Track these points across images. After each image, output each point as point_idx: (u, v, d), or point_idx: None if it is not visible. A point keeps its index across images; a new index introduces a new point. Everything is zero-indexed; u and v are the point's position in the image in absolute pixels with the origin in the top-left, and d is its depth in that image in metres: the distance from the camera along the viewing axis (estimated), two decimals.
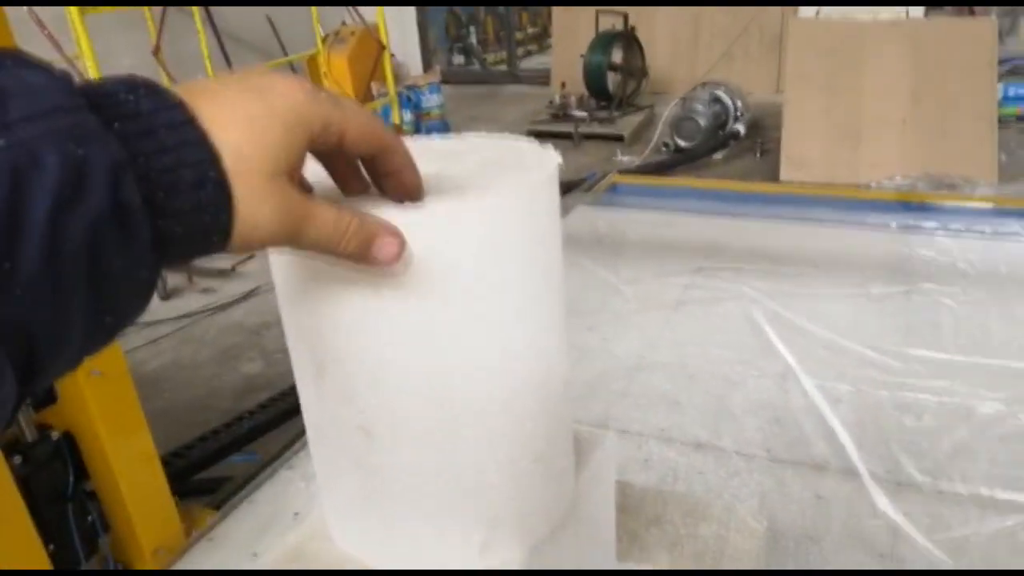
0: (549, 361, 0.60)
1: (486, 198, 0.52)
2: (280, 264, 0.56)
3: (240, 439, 2.02)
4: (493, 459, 0.57)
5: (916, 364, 1.88)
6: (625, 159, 5.06)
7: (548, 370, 0.60)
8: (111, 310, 0.38)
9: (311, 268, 0.53)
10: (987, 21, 4.34)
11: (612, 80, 5.98)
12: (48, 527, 1.36)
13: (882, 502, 1.44)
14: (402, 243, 0.49)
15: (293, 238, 0.45)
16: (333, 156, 0.51)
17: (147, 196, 0.37)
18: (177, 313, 3.86)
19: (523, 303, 0.56)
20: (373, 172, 0.52)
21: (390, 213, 0.50)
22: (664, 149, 5.07)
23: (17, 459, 1.30)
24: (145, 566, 1.51)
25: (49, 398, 1.40)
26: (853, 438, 1.63)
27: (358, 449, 0.56)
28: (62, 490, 1.39)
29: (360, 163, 0.52)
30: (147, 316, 3.87)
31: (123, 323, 0.40)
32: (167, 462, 1.83)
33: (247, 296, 3.89)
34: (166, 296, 4.12)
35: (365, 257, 0.49)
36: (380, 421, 0.55)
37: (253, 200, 0.42)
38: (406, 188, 0.52)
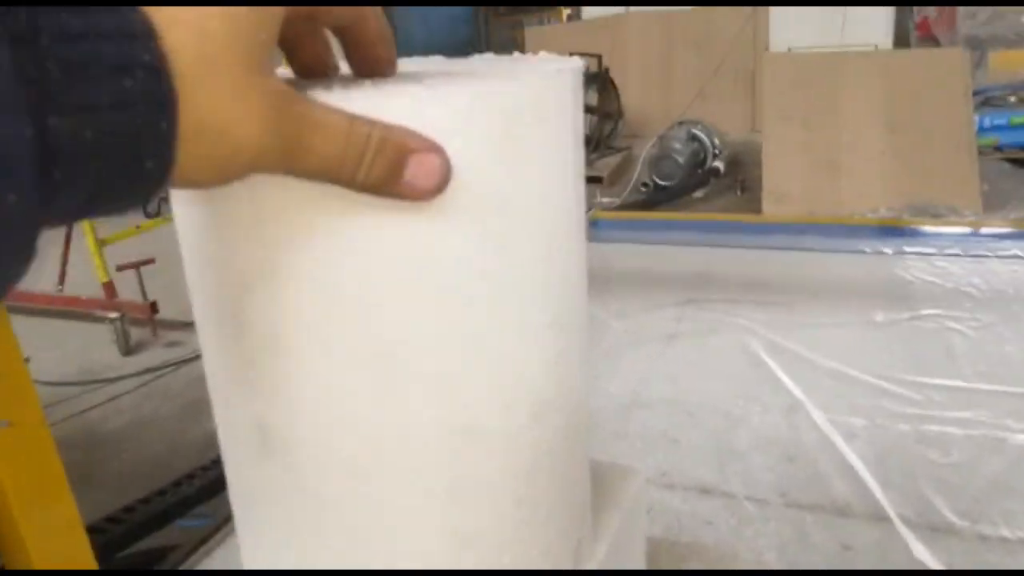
0: (580, 313, 0.49)
1: (502, 79, 0.39)
2: (229, 206, 0.38)
3: (189, 499, 1.80)
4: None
5: (934, 394, 1.73)
6: (605, 200, 4.97)
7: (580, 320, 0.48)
8: None
9: (285, 207, 0.37)
10: (958, 52, 4.35)
11: (588, 122, 5.94)
12: None
13: (918, 550, 1.27)
14: (446, 163, 0.35)
15: (288, 158, 0.31)
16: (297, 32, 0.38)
17: (32, 74, 0.22)
18: (139, 368, 3.65)
19: (555, 224, 0.44)
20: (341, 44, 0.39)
21: (362, 96, 0.34)
22: (644, 189, 4.99)
23: None
24: None
25: None
26: (876, 477, 1.46)
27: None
28: None
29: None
30: (108, 372, 3.65)
31: None
32: (102, 529, 1.62)
33: None
34: (128, 351, 3.91)
35: (393, 186, 0.34)
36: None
37: (223, 97, 0.27)
38: (378, 61, 0.38)
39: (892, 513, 1.38)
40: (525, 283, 0.41)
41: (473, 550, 0.42)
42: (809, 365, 1.90)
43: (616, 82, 6.14)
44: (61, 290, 3.44)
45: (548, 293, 0.42)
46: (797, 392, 1.78)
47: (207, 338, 0.42)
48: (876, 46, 4.95)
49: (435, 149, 0.35)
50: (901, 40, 5.80)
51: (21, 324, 3.25)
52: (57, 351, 3.16)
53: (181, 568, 1.53)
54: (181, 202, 0.40)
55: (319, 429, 0.39)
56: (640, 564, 0.58)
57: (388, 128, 0.33)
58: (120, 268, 3.54)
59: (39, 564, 1.20)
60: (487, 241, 0.39)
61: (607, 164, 5.55)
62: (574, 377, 0.46)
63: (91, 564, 1.30)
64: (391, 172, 0.33)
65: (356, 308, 0.37)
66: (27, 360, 3.00)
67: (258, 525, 0.45)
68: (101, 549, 1.37)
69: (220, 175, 0.29)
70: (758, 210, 4.28)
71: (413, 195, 0.35)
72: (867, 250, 2.65)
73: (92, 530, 1.52)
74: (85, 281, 3.49)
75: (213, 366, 0.43)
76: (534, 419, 0.43)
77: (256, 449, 0.41)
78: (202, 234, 0.39)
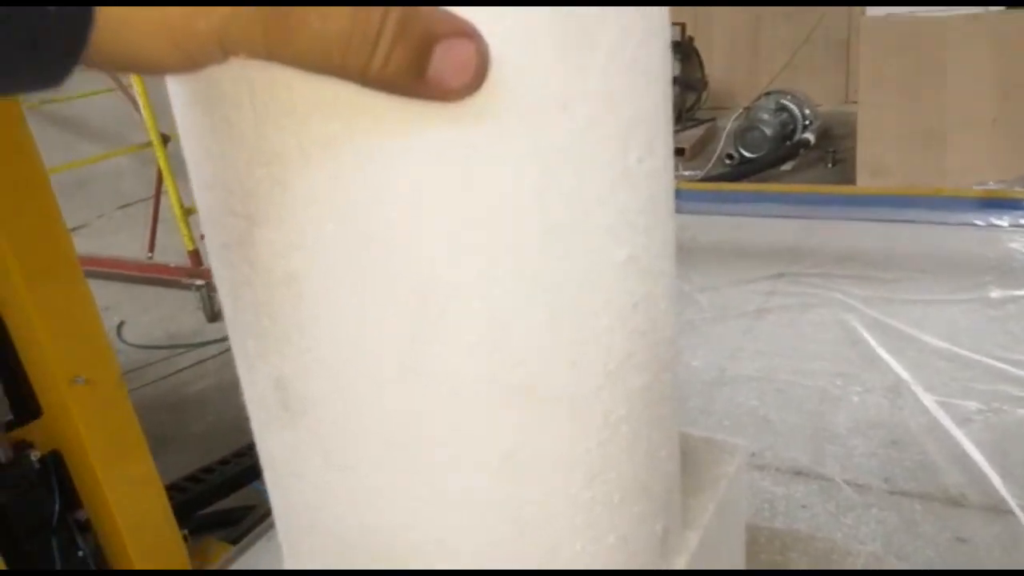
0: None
1: None
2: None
3: None
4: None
5: None
6: (687, 173, 4.80)
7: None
8: None
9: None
10: None
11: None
12: (29, 563, 1.16)
13: None
14: (482, 52, 0.27)
15: (272, 33, 0.23)
16: None
17: None
18: (223, 334, 3.76)
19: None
20: None
21: None
22: (728, 161, 4.79)
23: None
24: None
25: (31, 412, 1.20)
26: (994, 465, 1.32)
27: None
28: (46, 519, 1.19)
29: None
30: (194, 337, 3.78)
31: None
32: (182, 488, 1.64)
33: None
34: (213, 318, 4.03)
35: (415, 81, 0.26)
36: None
37: None
38: None
39: (1014, 505, 1.24)
40: (595, 208, 0.33)
41: (535, 536, 0.34)
42: (915, 344, 1.75)
43: (700, 51, 5.90)
44: (151, 258, 3.54)
45: (625, 222, 0.34)
46: (902, 372, 1.64)
47: (220, 280, 0.36)
48: (986, 9, 4.57)
49: (468, 34, 0.27)
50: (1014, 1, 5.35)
51: (114, 290, 3.35)
52: (147, 316, 3.26)
53: (258, 529, 1.52)
54: (179, 106, 0.33)
55: (343, 388, 0.32)
56: (738, 558, 0.50)
57: (409, 6, 0.25)
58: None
59: (120, 518, 1.22)
60: (544, 154, 0.31)
61: (690, 136, 5.34)
62: (660, 328, 0.37)
63: (170, 520, 1.31)
64: (413, 63, 0.26)
65: (383, 240, 0.30)
66: (121, 324, 3.08)
67: (288, 499, 0.39)
68: (181, 507, 1.38)
69: (178, 51, 0.22)
70: (851, 183, 4.04)
71: (439, 94, 0.27)
72: (979, 223, 2.44)
73: (173, 488, 1.53)
74: (173, 250, 3.60)
75: (229, 313, 0.37)
76: (608, 379, 0.35)
77: (277, 412, 0.35)
78: (201, 148, 0.32)
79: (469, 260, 0.31)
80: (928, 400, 1.53)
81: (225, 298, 0.37)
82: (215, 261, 0.36)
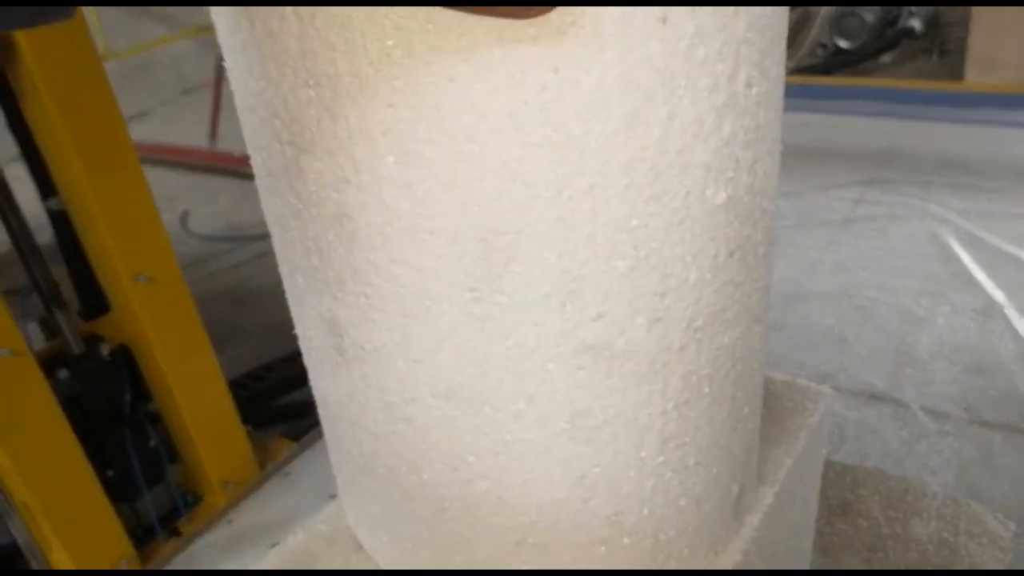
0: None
1: None
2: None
3: None
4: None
5: None
6: None
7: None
8: None
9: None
10: None
11: None
12: (105, 451, 1.22)
13: None
14: None
15: None
16: None
17: None
18: None
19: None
20: None
21: None
22: (821, 51, 4.46)
23: (63, 373, 1.15)
24: (215, 499, 1.37)
25: (100, 307, 1.24)
26: None
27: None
28: (119, 409, 1.24)
29: None
30: (256, 229, 3.83)
31: None
32: (243, 384, 1.69)
33: None
34: None
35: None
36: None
37: None
38: None
39: None
40: (692, 142, 0.28)
41: (603, 500, 0.32)
42: (1012, 262, 1.64)
43: None
44: (214, 146, 3.54)
45: (728, 157, 0.29)
46: (995, 293, 1.55)
47: (267, 209, 0.33)
48: None
49: None
50: None
51: (179, 179, 3.39)
52: (210, 206, 3.32)
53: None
54: (219, 14, 0.29)
55: (403, 339, 0.29)
56: (811, 508, 0.47)
57: None
58: None
59: (186, 411, 1.27)
60: (633, 79, 0.26)
61: None
62: (756, 277, 0.33)
63: (232, 412, 1.36)
64: None
65: (446, 177, 0.26)
66: (185, 214, 3.14)
67: (343, 442, 0.37)
68: (245, 403, 1.42)
69: None
70: (960, 78, 3.73)
71: (512, 11, 0.23)
72: None
73: (235, 385, 1.58)
74: (236, 137, 3.61)
75: (276, 243, 0.34)
76: (693, 336, 0.31)
77: (331, 355, 0.32)
78: (243, 64, 0.28)
79: (542, 200, 0.27)
80: (1022, 325, 1.44)
81: (272, 228, 0.34)
82: (261, 189, 0.33)
